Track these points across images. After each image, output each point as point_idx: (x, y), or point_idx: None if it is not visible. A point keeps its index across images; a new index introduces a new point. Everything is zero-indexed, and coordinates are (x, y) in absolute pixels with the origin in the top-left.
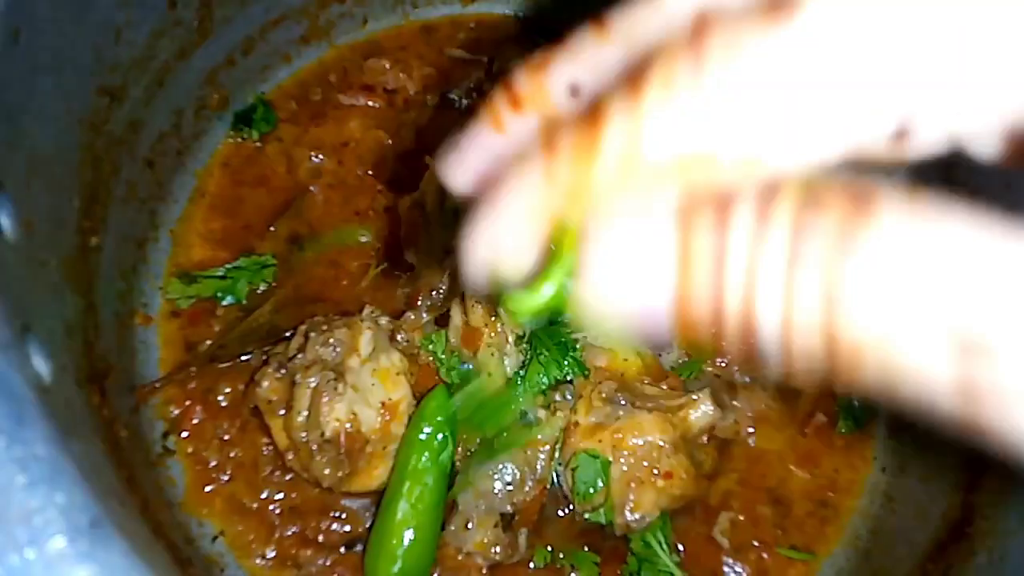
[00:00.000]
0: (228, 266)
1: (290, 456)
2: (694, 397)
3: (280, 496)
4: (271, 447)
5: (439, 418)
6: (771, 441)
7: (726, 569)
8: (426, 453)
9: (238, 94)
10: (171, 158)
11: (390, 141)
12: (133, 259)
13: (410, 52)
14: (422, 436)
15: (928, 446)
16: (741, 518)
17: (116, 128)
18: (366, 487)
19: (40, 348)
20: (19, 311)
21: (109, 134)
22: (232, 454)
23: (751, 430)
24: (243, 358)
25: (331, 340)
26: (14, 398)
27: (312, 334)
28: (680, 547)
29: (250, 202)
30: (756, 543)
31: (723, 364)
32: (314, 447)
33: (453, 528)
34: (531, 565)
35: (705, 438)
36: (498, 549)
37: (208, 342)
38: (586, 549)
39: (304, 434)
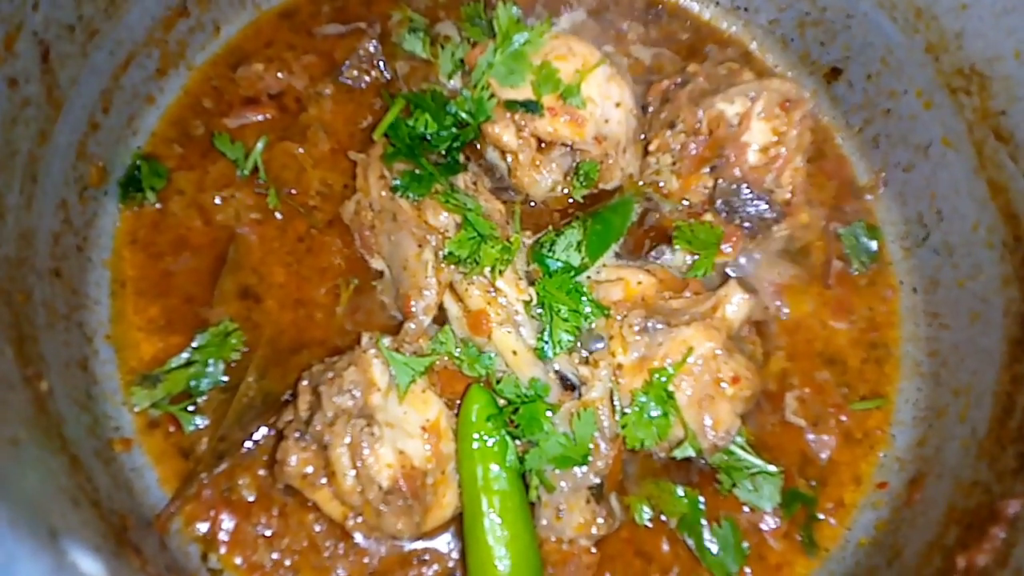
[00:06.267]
0: (189, 349)
1: (351, 523)
2: (724, 292)
3: (355, 568)
4: (323, 522)
5: (486, 421)
6: (801, 305)
7: (814, 447)
8: (492, 462)
9: (115, 159)
10: (75, 258)
11: (301, 150)
12: (84, 384)
13: (279, 46)
14: (475, 445)
15: (949, 250)
16: (806, 391)
17: (8, 249)
18: (443, 519)
19: (74, 544)
20: (36, 515)
21: (6, 259)
22: (284, 545)
23: (779, 303)
24: (250, 443)
25: (344, 386)
26: None
27: (322, 388)
28: (761, 443)
29: (179, 272)
30: (830, 410)
31: (728, 251)
32: (379, 505)
33: (545, 522)
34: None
35: (746, 328)
36: (600, 523)
37: (204, 440)
38: (678, 488)
39: (360, 495)
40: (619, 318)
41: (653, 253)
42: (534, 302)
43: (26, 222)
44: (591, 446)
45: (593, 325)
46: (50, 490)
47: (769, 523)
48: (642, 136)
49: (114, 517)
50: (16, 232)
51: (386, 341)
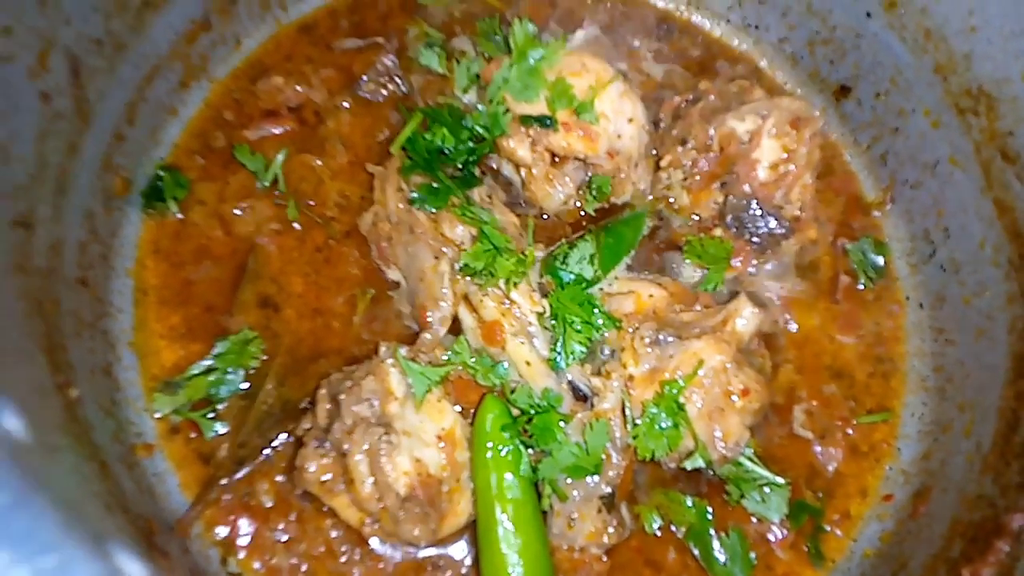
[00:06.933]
0: (209, 357)
1: (368, 529)
2: (734, 306)
3: (370, 573)
4: (340, 527)
5: (501, 430)
6: (809, 319)
7: (821, 459)
8: (505, 471)
9: (138, 170)
10: (100, 267)
11: (319, 162)
12: (108, 391)
13: (298, 59)
14: (490, 454)
15: (955, 266)
16: (814, 404)
17: (40, 260)
18: (457, 526)
19: (118, 548)
20: (81, 520)
21: (37, 270)
22: (301, 550)
23: (787, 317)
24: (269, 449)
25: (363, 395)
26: None
27: (341, 396)
28: (769, 454)
29: (200, 281)
30: (837, 422)
31: (737, 265)
32: (397, 512)
33: (557, 530)
34: (651, 530)
35: (755, 342)
36: (610, 532)
37: (225, 446)
38: (687, 498)
39: (377, 502)
40: (631, 330)
41: (665, 261)
42: (547, 314)
43: (56, 233)
44: (603, 456)
45: (605, 337)
46: (87, 495)
47: (776, 534)
48: (654, 151)
49: (141, 522)
50: (47, 243)
51: (403, 351)
